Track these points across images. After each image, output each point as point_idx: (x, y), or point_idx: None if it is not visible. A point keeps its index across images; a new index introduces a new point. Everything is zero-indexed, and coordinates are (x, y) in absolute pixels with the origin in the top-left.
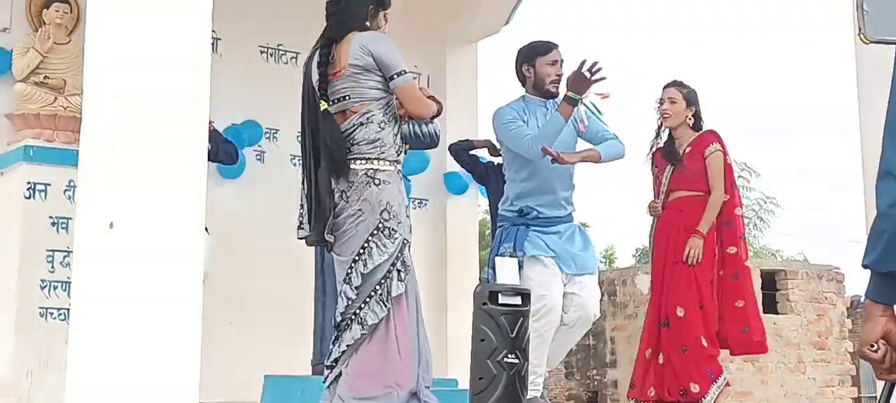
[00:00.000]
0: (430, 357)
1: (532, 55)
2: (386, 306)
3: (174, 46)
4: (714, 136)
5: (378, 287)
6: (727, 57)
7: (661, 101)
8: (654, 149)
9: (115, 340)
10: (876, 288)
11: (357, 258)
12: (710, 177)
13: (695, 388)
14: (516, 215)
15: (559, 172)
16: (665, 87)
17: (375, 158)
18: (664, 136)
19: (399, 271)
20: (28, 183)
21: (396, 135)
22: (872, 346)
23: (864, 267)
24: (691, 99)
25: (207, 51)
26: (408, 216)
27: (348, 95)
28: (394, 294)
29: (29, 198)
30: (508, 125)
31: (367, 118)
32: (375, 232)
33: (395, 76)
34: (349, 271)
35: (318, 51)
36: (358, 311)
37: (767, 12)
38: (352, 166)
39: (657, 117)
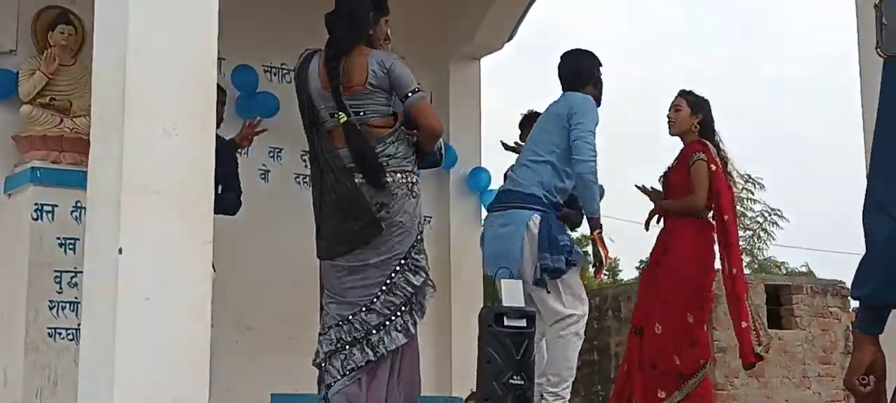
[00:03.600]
0: None
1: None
2: (422, 317)
3: (181, 67)
4: (699, 146)
5: (416, 297)
6: (735, 60)
7: (669, 110)
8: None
9: (124, 360)
10: (867, 321)
11: (399, 269)
12: (692, 186)
13: (661, 394)
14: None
15: None
16: (674, 97)
17: (411, 171)
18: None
19: (431, 285)
20: (35, 204)
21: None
22: (863, 379)
23: (856, 298)
24: (698, 107)
25: (213, 74)
26: None
27: (364, 111)
28: (426, 306)
29: (36, 219)
30: (595, 133)
31: (398, 135)
32: (415, 243)
33: (410, 93)
34: (389, 281)
35: (324, 62)
36: (394, 319)
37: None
38: (391, 178)
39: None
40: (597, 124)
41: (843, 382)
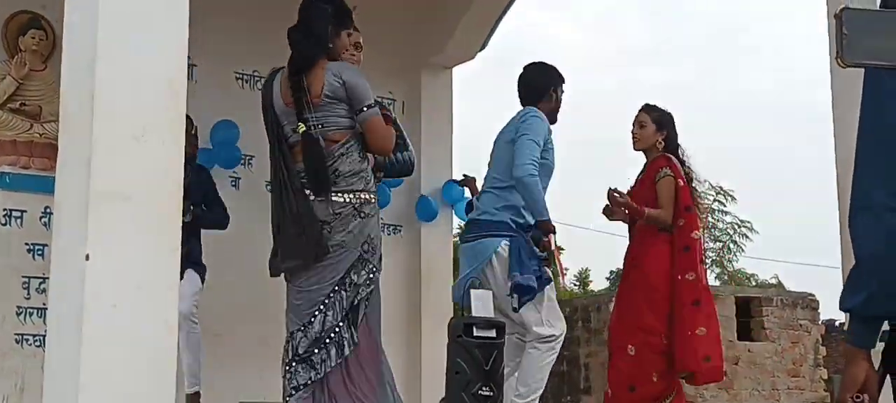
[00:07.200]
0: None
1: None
2: (356, 334)
3: (151, 72)
4: (664, 161)
5: (351, 314)
6: (708, 72)
7: (633, 125)
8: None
9: (90, 368)
10: (859, 333)
11: (337, 288)
12: (659, 201)
13: None
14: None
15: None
16: (638, 112)
17: (361, 190)
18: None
19: (366, 301)
20: (4, 210)
21: (371, 168)
22: (858, 397)
23: (846, 310)
24: (663, 123)
25: (183, 80)
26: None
27: (322, 124)
28: (360, 321)
29: (5, 224)
30: (538, 142)
31: (348, 148)
32: (356, 263)
33: (365, 108)
34: (327, 300)
35: (287, 78)
36: (332, 337)
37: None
38: (336, 198)
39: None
40: (542, 136)
41: (840, 400)
